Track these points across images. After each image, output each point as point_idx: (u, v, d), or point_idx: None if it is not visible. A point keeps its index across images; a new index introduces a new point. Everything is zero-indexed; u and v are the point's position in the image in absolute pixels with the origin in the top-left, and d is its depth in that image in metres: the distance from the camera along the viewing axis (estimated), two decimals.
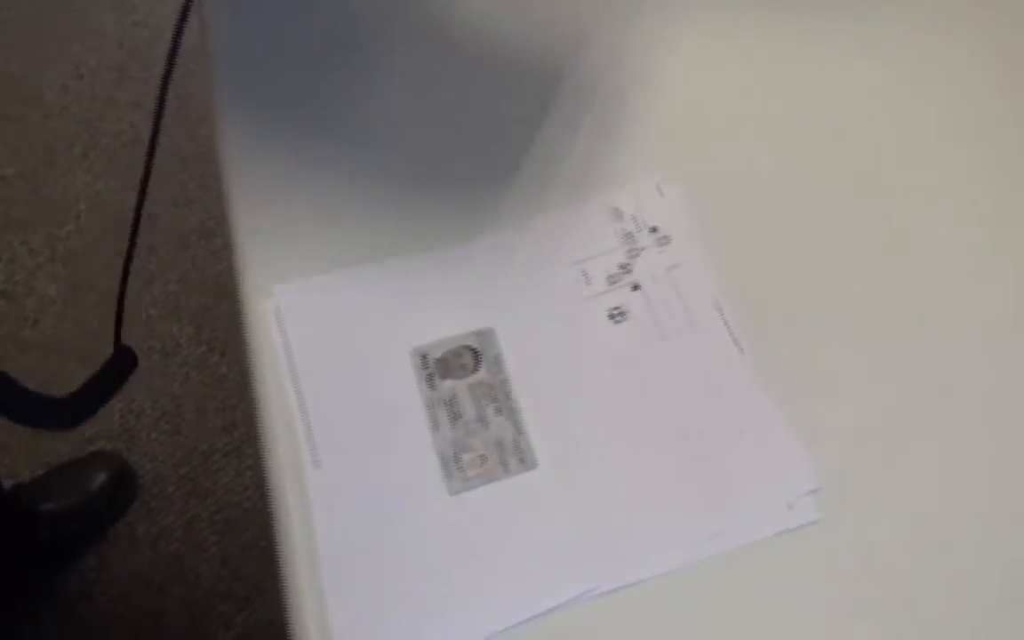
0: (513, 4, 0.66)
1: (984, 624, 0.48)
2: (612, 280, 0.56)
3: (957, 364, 0.54)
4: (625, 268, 0.57)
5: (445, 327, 0.54)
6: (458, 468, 0.50)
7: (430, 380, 0.53)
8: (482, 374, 0.53)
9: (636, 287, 0.56)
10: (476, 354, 0.53)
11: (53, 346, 1.34)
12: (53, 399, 0.71)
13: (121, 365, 0.72)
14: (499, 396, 0.52)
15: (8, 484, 1.19)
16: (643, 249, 0.57)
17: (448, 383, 0.53)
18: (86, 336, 1.35)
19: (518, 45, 0.65)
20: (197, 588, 1.20)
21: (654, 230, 0.58)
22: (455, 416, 0.52)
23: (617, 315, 0.55)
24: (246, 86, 0.63)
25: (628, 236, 0.58)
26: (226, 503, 1.25)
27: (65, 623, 1.18)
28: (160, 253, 1.42)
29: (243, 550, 1.22)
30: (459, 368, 0.53)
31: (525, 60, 0.65)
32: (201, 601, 1.19)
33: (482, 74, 0.64)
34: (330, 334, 0.54)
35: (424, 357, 0.53)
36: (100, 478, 1.22)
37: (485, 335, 0.54)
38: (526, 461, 0.51)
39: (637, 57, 0.64)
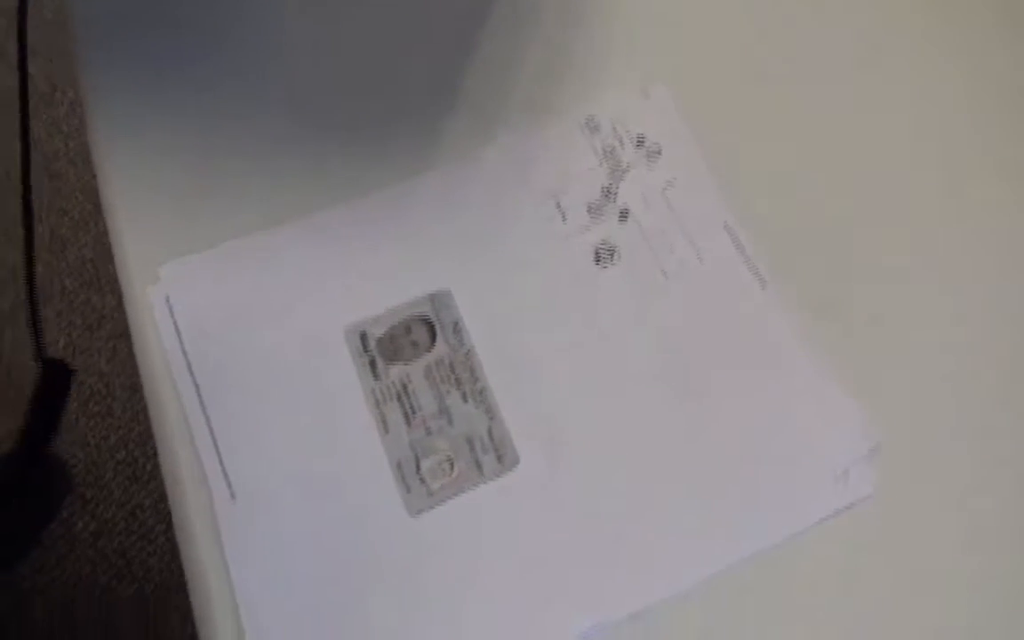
0: None
1: None
2: (594, 210, 0.44)
3: None
4: (609, 193, 0.45)
5: (387, 295, 0.42)
6: (419, 479, 0.39)
7: (373, 367, 0.41)
8: (440, 350, 0.41)
9: (625, 215, 0.44)
10: (430, 325, 0.42)
11: None
12: None
13: (55, 383, 0.61)
14: (464, 377, 0.41)
15: None
16: (629, 166, 0.45)
17: (397, 368, 0.41)
18: None
19: None
20: (147, 583, 1.09)
21: (641, 141, 0.46)
22: (410, 411, 0.40)
23: (604, 254, 0.43)
24: (109, 26, 0.49)
25: (609, 152, 0.46)
26: None
27: None
28: (71, 214, 1.27)
29: None
30: (409, 346, 0.41)
31: None
32: (153, 596, 1.08)
33: None
34: (238, 321, 0.41)
35: (363, 337, 0.41)
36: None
37: (439, 299, 0.42)
38: (504, 458, 0.39)
39: None
